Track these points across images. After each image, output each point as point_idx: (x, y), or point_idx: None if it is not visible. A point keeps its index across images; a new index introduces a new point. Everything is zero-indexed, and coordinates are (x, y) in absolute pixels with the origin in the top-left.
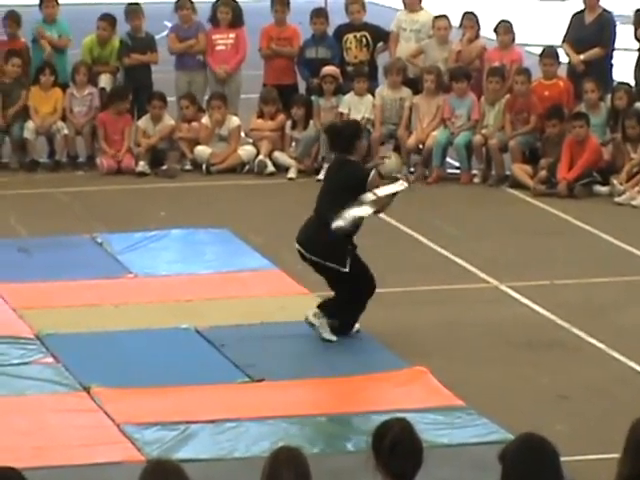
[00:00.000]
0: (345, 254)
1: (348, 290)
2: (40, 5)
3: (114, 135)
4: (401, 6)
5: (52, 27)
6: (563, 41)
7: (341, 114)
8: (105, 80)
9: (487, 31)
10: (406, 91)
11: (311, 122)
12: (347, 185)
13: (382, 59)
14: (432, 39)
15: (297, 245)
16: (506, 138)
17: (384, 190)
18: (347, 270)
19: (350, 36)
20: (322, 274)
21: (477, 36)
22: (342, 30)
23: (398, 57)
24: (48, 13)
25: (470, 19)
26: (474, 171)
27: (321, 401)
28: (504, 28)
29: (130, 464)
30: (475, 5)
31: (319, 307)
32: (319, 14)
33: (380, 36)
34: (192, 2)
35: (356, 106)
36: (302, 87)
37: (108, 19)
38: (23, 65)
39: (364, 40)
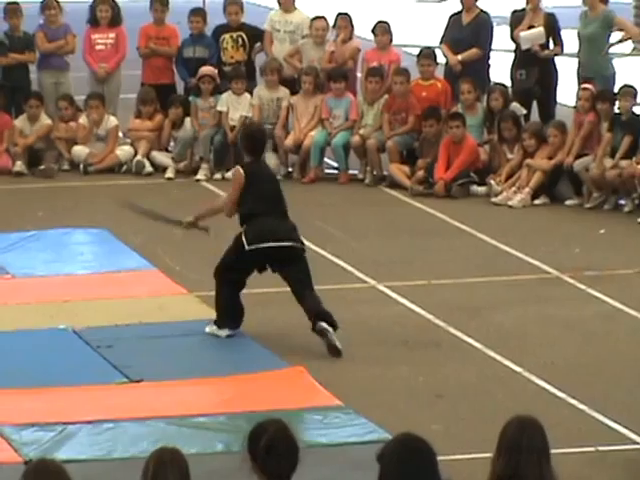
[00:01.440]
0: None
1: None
2: None
3: None
4: (276, 6)
5: None
6: (441, 42)
7: (220, 113)
8: None
9: (365, 32)
10: (283, 91)
11: (187, 121)
12: None
13: (260, 59)
14: (309, 39)
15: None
16: (384, 138)
17: None
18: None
19: (227, 36)
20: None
21: (351, 37)
22: (219, 30)
23: (273, 57)
24: None
25: (344, 19)
26: (353, 171)
27: (199, 401)
28: (381, 29)
29: (7, 465)
30: (351, 6)
31: (318, 319)
32: (197, 13)
33: (257, 36)
34: (59, 2)
35: (234, 105)
36: (180, 87)
37: None
38: None
39: (240, 40)
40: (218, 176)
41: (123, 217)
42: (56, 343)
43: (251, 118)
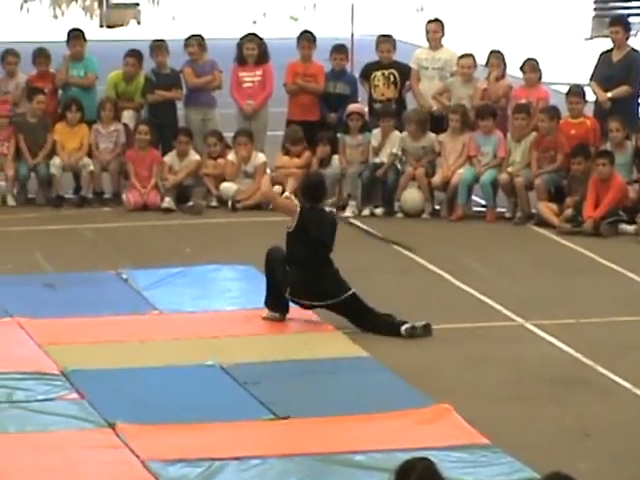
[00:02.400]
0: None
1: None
2: (67, 43)
3: (142, 171)
4: (420, 43)
5: (79, 64)
6: (590, 79)
7: (373, 148)
8: (128, 116)
9: (513, 69)
10: (427, 139)
11: (335, 159)
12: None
13: (412, 97)
14: (457, 77)
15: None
16: (532, 176)
17: None
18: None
19: (378, 73)
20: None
21: (503, 74)
22: (370, 68)
23: (415, 108)
24: (75, 51)
25: (497, 57)
26: (501, 209)
27: (346, 438)
28: (530, 66)
29: None
30: (500, 43)
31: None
32: (339, 50)
33: (408, 74)
34: (203, 39)
35: (383, 142)
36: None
37: (136, 55)
38: (51, 101)
39: (392, 77)
40: (366, 212)
41: None
42: (203, 379)
43: (400, 156)
